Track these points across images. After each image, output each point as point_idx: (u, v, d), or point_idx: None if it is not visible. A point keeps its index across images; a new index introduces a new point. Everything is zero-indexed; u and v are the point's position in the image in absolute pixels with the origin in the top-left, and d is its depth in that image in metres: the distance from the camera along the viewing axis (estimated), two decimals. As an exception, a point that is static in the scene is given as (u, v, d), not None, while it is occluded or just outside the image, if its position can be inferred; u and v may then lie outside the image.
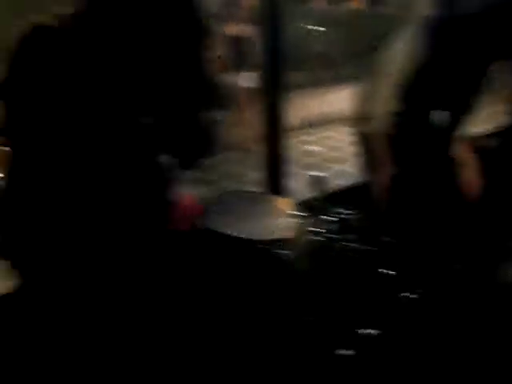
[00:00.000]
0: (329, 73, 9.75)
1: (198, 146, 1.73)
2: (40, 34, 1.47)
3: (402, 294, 1.83)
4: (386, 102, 2.73)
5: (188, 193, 2.28)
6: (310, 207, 2.23)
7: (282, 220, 2.33)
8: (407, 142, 2.80)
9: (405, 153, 2.81)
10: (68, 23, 1.48)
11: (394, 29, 3.01)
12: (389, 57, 2.82)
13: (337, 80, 9.82)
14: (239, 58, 7.61)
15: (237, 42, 7.57)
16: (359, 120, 3.01)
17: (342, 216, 2.18)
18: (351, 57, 9.98)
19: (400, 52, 2.71)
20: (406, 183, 2.80)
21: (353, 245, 2.05)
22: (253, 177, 6.35)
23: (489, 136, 2.94)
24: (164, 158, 1.70)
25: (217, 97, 1.79)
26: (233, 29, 7.65)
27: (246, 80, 7.75)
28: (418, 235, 2.32)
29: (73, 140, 1.44)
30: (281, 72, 2.88)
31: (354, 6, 11.82)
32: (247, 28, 7.49)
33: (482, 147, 2.86)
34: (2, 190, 1.50)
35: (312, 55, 9.72)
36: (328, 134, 8.52)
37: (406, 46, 2.67)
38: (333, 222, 2.08)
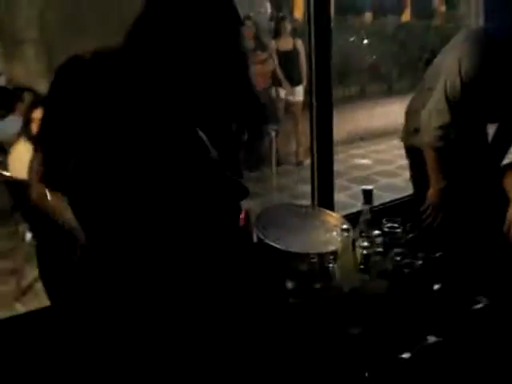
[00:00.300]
0: (378, 86, 9.72)
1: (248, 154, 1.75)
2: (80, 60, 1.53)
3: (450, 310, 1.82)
4: (436, 114, 2.72)
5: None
6: (359, 221, 2.23)
7: (331, 234, 2.35)
8: (458, 155, 2.78)
9: (455, 166, 2.80)
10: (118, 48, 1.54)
11: (444, 41, 3.01)
12: (438, 69, 2.81)
13: (386, 93, 9.80)
14: (291, 72, 7.67)
15: (288, 56, 7.62)
16: (409, 133, 3.00)
17: (391, 230, 2.18)
18: (401, 70, 9.93)
19: (450, 64, 2.70)
20: (456, 196, 2.78)
21: (401, 258, 2.05)
22: (303, 190, 6.38)
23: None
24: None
25: (266, 111, 1.80)
26: (284, 43, 7.72)
27: (298, 93, 7.79)
28: (468, 248, 2.30)
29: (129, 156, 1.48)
30: (330, 85, 2.89)
31: (403, 18, 11.76)
32: (298, 42, 7.54)
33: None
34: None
35: (361, 69, 9.71)
36: (377, 148, 8.49)
37: (456, 57, 2.66)
38: (381, 235, 2.09)
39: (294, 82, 7.71)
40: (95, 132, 1.49)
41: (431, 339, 1.80)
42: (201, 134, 1.52)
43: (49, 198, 1.59)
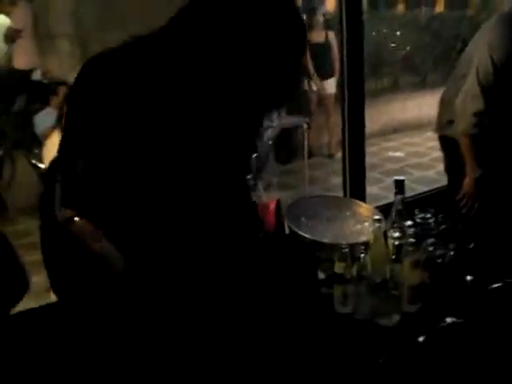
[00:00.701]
0: (412, 78, 9.64)
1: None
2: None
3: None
4: (470, 100, 2.71)
5: (272, 197, 2.33)
6: (391, 211, 2.24)
7: (362, 224, 2.35)
8: (492, 142, 2.77)
9: (491, 154, 2.78)
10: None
11: (476, 31, 2.98)
12: (470, 55, 2.80)
13: (420, 85, 9.73)
14: (323, 64, 7.64)
15: (320, 48, 7.59)
16: (443, 124, 2.99)
17: (423, 220, 2.18)
18: (434, 61, 9.84)
19: (481, 49, 2.68)
20: (491, 186, 2.77)
21: (433, 249, 2.05)
22: (335, 182, 6.37)
23: None
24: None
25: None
26: (316, 35, 7.68)
27: (330, 86, 7.77)
28: (502, 239, 2.29)
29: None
30: (362, 78, 2.89)
31: (436, 9, 11.64)
32: (330, 34, 7.51)
33: None
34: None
35: (394, 61, 9.64)
36: (409, 140, 8.43)
37: (486, 41, 2.64)
38: (414, 226, 2.09)
39: (326, 74, 7.68)
40: (120, 138, 1.44)
41: (449, 320, 1.80)
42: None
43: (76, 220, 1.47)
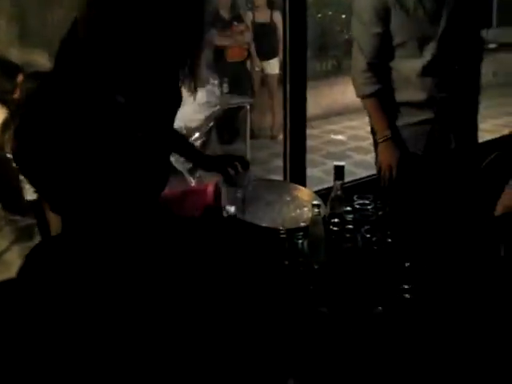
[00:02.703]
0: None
1: None
2: None
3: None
4: (353, 64, 2.84)
5: (212, 179, 2.29)
6: (330, 197, 2.22)
7: (302, 209, 2.33)
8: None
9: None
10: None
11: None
12: None
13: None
14: (266, 44, 7.60)
15: (264, 28, 7.55)
16: None
17: (362, 206, 2.17)
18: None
19: None
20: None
21: (371, 235, 2.05)
22: (277, 164, 6.37)
23: None
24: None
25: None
26: (261, 15, 7.64)
27: (273, 67, 7.74)
28: (439, 226, 2.30)
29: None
30: (305, 59, 2.87)
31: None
32: (275, 14, 7.47)
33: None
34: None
35: (338, 44, 9.67)
36: (352, 124, 8.49)
37: None
38: (352, 212, 2.07)
39: (269, 54, 7.65)
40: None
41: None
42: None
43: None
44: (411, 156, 2.78)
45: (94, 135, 1.47)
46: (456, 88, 2.73)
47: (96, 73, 1.46)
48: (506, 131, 2.96)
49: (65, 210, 1.54)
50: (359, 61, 2.74)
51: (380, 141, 2.79)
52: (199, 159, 2.30)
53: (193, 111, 4.50)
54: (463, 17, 2.68)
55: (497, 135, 3.17)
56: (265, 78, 7.86)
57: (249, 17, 7.69)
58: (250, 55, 7.67)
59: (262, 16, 7.61)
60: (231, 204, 2.08)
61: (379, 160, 2.82)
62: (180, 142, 2.24)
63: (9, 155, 3.96)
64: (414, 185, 2.74)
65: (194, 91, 1.70)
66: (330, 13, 9.82)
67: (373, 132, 2.94)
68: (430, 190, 2.72)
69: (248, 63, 7.72)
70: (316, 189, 2.63)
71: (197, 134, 4.60)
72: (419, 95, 2.71)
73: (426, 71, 2.67)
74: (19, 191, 3.98)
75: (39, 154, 1.46)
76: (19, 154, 1.52)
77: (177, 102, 1.80)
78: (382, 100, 2.75)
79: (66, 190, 1.48)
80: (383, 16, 2.64)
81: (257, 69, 7.74)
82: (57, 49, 1.53)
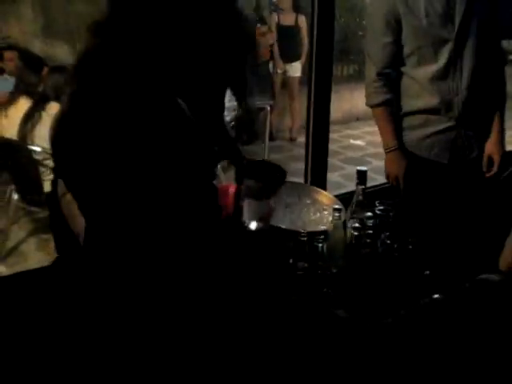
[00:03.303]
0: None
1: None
2: None
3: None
4: (366, 73, 2.84)
5: (232, 180, 2.29)
6: (352, 202, 2.22)
7: (322, 213, 2.34)
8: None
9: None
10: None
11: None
12: None
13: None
14: (289, 47, 7.61)
15: (289, 31, 7.57)
16: None
17: (383, 212, 2.17)
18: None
19: None
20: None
21: (391, 241, 2.04)
22: (295, 167, 6.37)
23: None
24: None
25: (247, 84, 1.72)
26: (286, 18, 7.65)
27: (295, 69, 7.75)
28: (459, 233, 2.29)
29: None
30: (331, 63, 2.86)
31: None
32: (301, 18, 7.47)
33: None
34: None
35: (360, 49, 9.65)
36: (372, 129, 8.46)
37: None
38: (373, 217, 2.07)
39: (292, 57, 7.65)
40: None
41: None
42: (181, 102, 1.44)
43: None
44: (436, 166, 2.76)
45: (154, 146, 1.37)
46: (476, 91, 2.69)
47: (153, 72, 1.40)
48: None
49: (96, 213, 1.46)
50: (370, 70, 2.76)
51: (387, 151, 2.79)
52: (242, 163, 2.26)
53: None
54: (478, 14, 2.63)
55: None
56: (286, 81, 7.86)
57: (274, 19, 7.70)
58: (272, 57, 7.68)
59: (288, 19, 7.62)
60: (252, 217, 2.05)
61: (386, 171, 2.83)
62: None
63: (30, 146, 4.00)
64: (438, 196, 2.72)
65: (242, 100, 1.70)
66: (356, 19, 9.80)
67: None
68: (453, 198, 2.71)
69: (270, 65, 7.73)
70: (335, 193, 2.63)
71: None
72: (433, 100, 2.69)
73: (440, 75, 2.65)
74: (38, 183, 4.01)
75: (80, 153, 1.39)
76: (57, 145, 1.49)
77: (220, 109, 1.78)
78: (390, 110, 2.76)
79: (102, 193, 1.44)
80: (394, 25, 2.63)
81: (279, 71, 7.75)
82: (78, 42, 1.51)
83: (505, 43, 2.93)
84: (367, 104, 2.83)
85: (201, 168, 1.48)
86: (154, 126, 1.36)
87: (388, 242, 2.02)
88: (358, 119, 9.07)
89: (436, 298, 1.78)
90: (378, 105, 2.76)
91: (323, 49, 2.77)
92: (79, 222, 1.50)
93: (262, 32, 7.42)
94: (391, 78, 2.72)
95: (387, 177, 2.83)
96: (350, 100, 9.04)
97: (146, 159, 1.35)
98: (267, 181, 2.04)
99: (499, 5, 2.76)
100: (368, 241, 1.96)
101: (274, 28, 7.63)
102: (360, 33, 9.75)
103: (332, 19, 2.76)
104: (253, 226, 1.98)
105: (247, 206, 1.98)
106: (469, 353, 1.70)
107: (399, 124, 2.78)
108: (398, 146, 2.75)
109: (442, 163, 2.76)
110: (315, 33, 2.73)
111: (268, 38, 7.50)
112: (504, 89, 2.86)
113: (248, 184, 2.02)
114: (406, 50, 2.67)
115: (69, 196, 1.50)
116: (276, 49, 7.63)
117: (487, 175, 2.83)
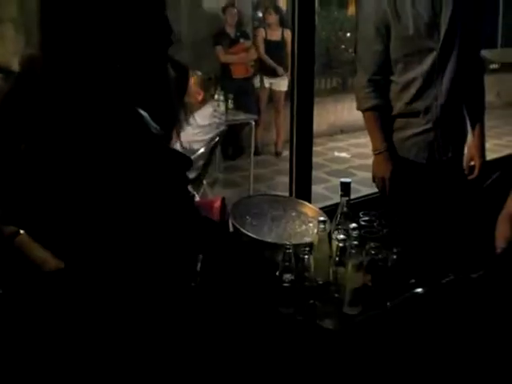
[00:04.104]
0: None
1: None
2: None
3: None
4: (356, 80, 2.92)
5: (217, 194, 2.30)
6: (336, 213, 2.24)
7: (308, 226, 2.35)
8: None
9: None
10: None
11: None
12: None
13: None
14: (277, 61, 7.67)
15: (276, 46, 7.64)
16: None
17: (367, 223, 2.19)
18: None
19: None
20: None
21: (376, 252, 2.06)
22: (280, 180, 6.38)
23: None
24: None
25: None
26: (273, 33, 7.73)
27: (282, 84, 7.80)
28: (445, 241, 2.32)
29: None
30: (312, 77, 2.89)
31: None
32: (287, 32, 7.53)
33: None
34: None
35: (343, 61, 9.72)
36: (356, 141, 8.52)
37: None
38: (358, 228, 2.09)
39: (280, 71, 7.71)
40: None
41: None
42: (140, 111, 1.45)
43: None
44: (415, 166, 2.84)
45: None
46: (454, 97, 2.80)
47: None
48: (507, 151, 2.98)
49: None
50: (361, 76, 2.83)
51: (375, 153, 2.84)
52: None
53: (195, 133, 4.49)
54: (462, 24, 2.74)
55: (499, 155, 3.18)
56: (273, 95, 7.90)
57: (261, 34, 7.76)
58: (255, 72, 7.73)
59: (274, 34, 7.70)
60: None
61: (373, 173, 2.89)
62: None
63: None
64: (418, 195, 2.79)
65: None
66: (339, 32, 9.87)
67: None
68: (432, 199, 2.78)
69: (254, 79, 7.77)
70: (320, 205, 2.65)
71: (201, 150, 4.60)
72: (419, 105, 2.78)
73: (425, 81, 2.75)
74: None
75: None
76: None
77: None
78: (380, 114, 2.82)
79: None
80: (383, 33, 2.72)
81: (266, 85, 7.80)
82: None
83: (485, 52, 3.01)
84: (358, 108, 2.91)
85: (172, 174, 1.49)
86: (116, 139, 1.37)
87: (373, 252, 2.04)
88: (342, 131, 9.12)
89: (417, 292, 1.81)
90: (368, 109, 2.83)
91: (304, 62, 2.79)
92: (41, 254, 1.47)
93: (244, 48, 7.47)
94: (380, 84, 2.80)
95: (373, 178, 2.89)
96: (333, 112, 9.09)
97: (115, 172, 1.37)
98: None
99: (481, 14, 2.86)
100: (353, 252, 1.97)
101: (261, 43, 7.69)
102: (342, 46, 9.83)
103: (312, 33, 2.79)
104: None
105: None
106: (451, 345, 1.72)
107: (389, 127, 2.86)
108: (386, 149, 2.81)
109: (420, 163, 2.85)
110: (296, 46, 2.76)
111: (251, 54, 7.55)
112: (483, 96, 2.99)
113: None
114: (393, 57, 2.76)
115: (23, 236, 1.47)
116: (271, 61, 7.69)
117: (469, 178, 2.96)
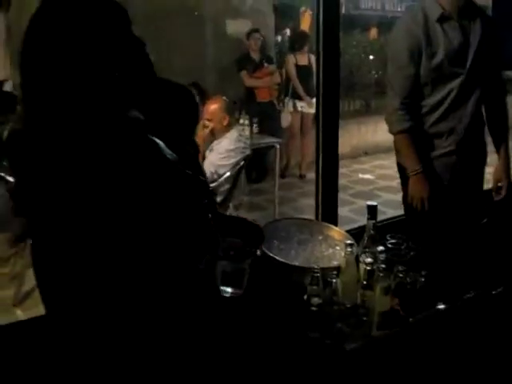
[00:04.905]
0: (383, 102, 9.71)
1: None
2: None
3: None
4: (388, 102, 2.97)
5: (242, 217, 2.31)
6: (363, 236, 2.24)
7: (334, 249, 2.35)
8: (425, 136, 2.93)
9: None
10: None
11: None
12: None
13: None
14: (306, 85, 7.74)
15: (305, 70, 7.72)
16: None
17: (394, 246, 2.18)
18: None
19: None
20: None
21: (404, 275, 2.05)
22: (305, 203, 6.38)
23: None
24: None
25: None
26: (302, 58, 7.84)
27: (306, 107, 7.84)
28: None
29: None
30: (338, 100, 2.91)
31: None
32: (312, 57, 7.59)
33: None
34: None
35: (367, 84, 9.73)
36: (380, 163, 8.50)
37: None
38: (385, 251, 2.09)
39: (309, 95, 7.75)
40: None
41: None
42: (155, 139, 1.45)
43: None
44: (439, 187, 2.89)
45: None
46: (477, 119, 2.91)
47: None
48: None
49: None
50: (393, 99, 2.88)
51: (411, 174, 2.88)
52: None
53: (220, 159, 4.50)
54: (487, 55, 2.84)
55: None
56: (301, 118, 7.94)
57: (292, 59, 7.85)
58: (286, 94, 7.83)
59: (303, 59, 7.81)
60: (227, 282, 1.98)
61: (410, 194, 2.91)
62: None
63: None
64: (441, 216, 2.84)
65: None
66: (362, 55, 9.90)
67: (400, 169, 3.04)
68: (454, 222, 2.82)
69: (286, 102, 7.86)
70: (345, 228, 2.65)
71: (227, 174, 4.61)
72: (444, 127, 2.86)
73: (451, 104, 2.83)
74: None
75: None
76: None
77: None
78: (413, 136, 2.86)
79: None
80: (416, 58, 2.79)
81: (299, 108, 7.86)
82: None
83: (508, 73, 3.06)
84: (391, 131, 2.96)
85: (187, 198, 1.50)
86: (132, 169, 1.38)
87: (401, 275, 2.03)
88: (366, 153, 9.10)
89: (439, 309, 1.81)
90: (402, 131, 2.87)
91: (330, 85, 2.82)
92: None
93: (268, 72, 7.52)
94: (412, 106, 2.85)
95: (411, 199, 2.91)
96: (357, 135, 9.09)
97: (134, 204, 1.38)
98: (245, 241, 2.02)
99: (503, 37, 2.92)
100: (381, 275, 1.97)
101: (292, 68, 7.78)
102: (365, 68, 9.85)
103: (337, 56, 2.82)
104: (227, 292, 1.98)
105: (221, 268, 1.95)
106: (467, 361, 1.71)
107: (422, 147, 2.90)
108: (422, 169, 2.85)
109: (442, 184, 2.91)
110: (321, 70, 2.78)
111: (275, 78, 7.60)
112: (506, 117, 3.06)
113: (227, 242, 1.95)
114: (422, 81, 2.83)
115: None
116: (299, 86, 7.76)
117: (496, 199, 3.04)
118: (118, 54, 1.43)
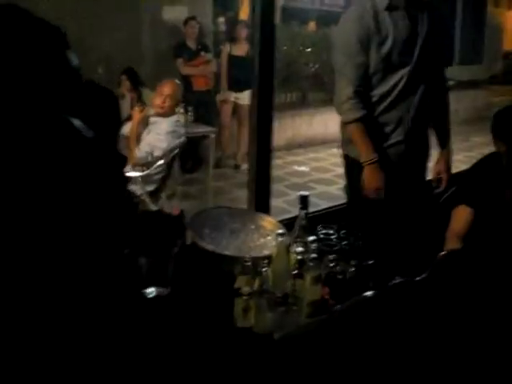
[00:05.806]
0: (319, 95, 9.80)
1: None
2: None
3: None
4: (338, 92, 2.96)
5: (175, 206, 2.29)
6: (295, 226, 2.25)
7: (266, 239, 2.35)
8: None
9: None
10: None
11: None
12: None
13: (327, 102, 9.89)
14: (242, 76, 7.68)
15: (241, 60, 7.63)
16: (345, 142, 3.06)
17: (326, 236, 2.20)
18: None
19: None
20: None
21: (334, 265, 2.07)
22: (239, 194, 6.38)
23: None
24: None
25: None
26: (239, 48, 7.73)
27: (246, 97, 7.81)
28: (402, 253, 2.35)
29: None
30: (272, 91, 2.91)
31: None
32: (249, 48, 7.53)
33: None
34: None
35: (303, 76, 9.78)
36: (315, 156, 8.58)
37: None
38: (316, 241, 2.10)
39: (242, 86, 7.69)
40: None
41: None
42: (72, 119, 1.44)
43: None
44: (389, 177, 2.91)
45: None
46: (423, 111, 2.95)
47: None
48: (464, 166, 3.06)
49: None
50: (346, 89, 2.87)
51: (367, 164, 2.88)
52: None
53: (158, 140, 4.53)
54: (434, 47, 2.90)
55: (455, 170, 3.25)
56: (236, 109, 7.90)
57: (226, 49, 7.75)
58: (216, 85, 7.74)
59: (240, 49, 7.67)
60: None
61: (366, 184, 2.91)
62: None
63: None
64: (382, 206, 2.88)
65: None
66: (300, 47, 9.93)
67: (347, 159, 3.07)
68: (394, 212, 2.88)
69: (215, 92, 7.78)
70: (279, 219, 2.65)
71: (161, 161, 4.60)
72: (393, 117, 2.91)
73: (398, 94, 2.88)
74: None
75: None
76: None
77: None
78: (366, 125, 2.88)
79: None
80: (366, 46, 2.82)
81: (231, 98, 7.79)
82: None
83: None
84: (344, 120, 2.96)
85: (105, 171, 1.48)
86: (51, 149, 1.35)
87: (331, 265, 2.05)
88: (301, 145, 9.16)
89: (365, 296, 1.82)
90: (356, 120, 2.88)
91: (264, 76, 2.81)
92: None
93: (204, 61, 7.47)
94: (363, 95, 2.87)
95: (367, 189, 2.91)
96: (293, 127, 9.14)
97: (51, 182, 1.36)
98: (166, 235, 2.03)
99: (448, 33, 3.00)
100: (311, 264, 1.98)
101: (225, 58, 7.68)
102: (303, 61, 9.88)
103: (272, 47, 2.82)
104: (151, 293, 1.96)
105: (143, 268, 1.95)
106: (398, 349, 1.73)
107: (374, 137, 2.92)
108: (378, 158, 2.87)
109: (392, 174, 2.92)
110: (257, 61, 2.77)
111: (210, 66, 7.56)
112: (448, 112, 3.15)
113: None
114: (371, 70, 2.86)
115: None
116: (223, 78, 7.68)
117: (436, 191, 3.12)
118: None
